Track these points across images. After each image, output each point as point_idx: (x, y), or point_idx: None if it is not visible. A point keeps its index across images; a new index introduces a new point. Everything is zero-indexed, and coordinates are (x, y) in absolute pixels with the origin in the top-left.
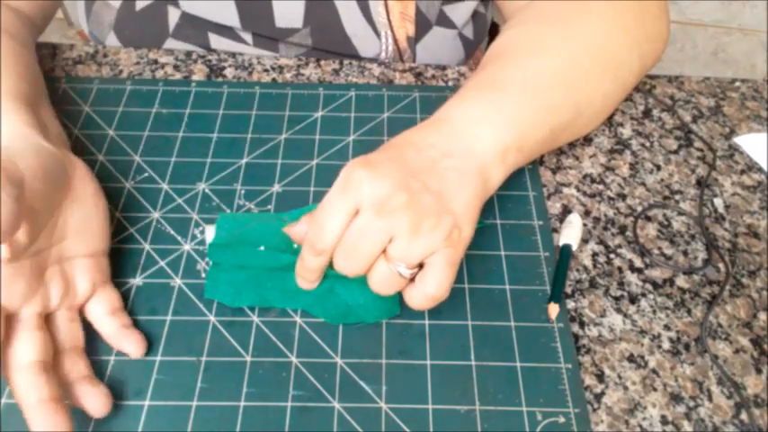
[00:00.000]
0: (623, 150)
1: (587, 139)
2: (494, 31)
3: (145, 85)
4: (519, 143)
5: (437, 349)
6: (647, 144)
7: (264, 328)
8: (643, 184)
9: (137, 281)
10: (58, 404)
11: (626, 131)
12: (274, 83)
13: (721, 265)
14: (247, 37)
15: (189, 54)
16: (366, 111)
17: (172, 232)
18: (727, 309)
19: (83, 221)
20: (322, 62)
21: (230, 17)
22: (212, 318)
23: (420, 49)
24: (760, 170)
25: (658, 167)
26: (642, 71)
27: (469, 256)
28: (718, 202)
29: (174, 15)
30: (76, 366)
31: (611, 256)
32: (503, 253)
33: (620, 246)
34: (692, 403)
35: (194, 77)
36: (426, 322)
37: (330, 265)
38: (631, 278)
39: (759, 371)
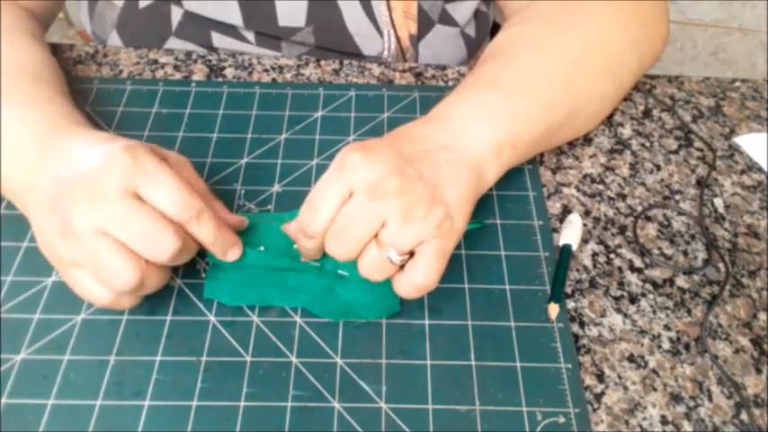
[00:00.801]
0: (623, 150)
1: (587, 139)
2: (495, 31)
3: (145, 85)
4: (514, 141)
5: (437, 349)
6: (647, 144)
7: (264, 328)
8: (643, 184)
9: None
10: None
11: (626, 131)
12: (274, 83)
13: (721, 265)
14: (250, 36)
15: (189, 54)
16: (366, 111)
17: None
18: (727, 309)
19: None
20: (322, 62)
21: (233, 16)
22: (212, 318)
23: (422, 47)
24: (760, 170)
25: (658, 167)
26: (641, 71)
27: (469, 256)
28: (718, 202)
29: (176, 14)
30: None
31: (611, 256)
32: (503, 253)
33: (620, 246)
34: (692, 403)
35: (194, 77)
36: (426, 322)
37: (330, 264)
38: (631, 278)
39: (759, 371)
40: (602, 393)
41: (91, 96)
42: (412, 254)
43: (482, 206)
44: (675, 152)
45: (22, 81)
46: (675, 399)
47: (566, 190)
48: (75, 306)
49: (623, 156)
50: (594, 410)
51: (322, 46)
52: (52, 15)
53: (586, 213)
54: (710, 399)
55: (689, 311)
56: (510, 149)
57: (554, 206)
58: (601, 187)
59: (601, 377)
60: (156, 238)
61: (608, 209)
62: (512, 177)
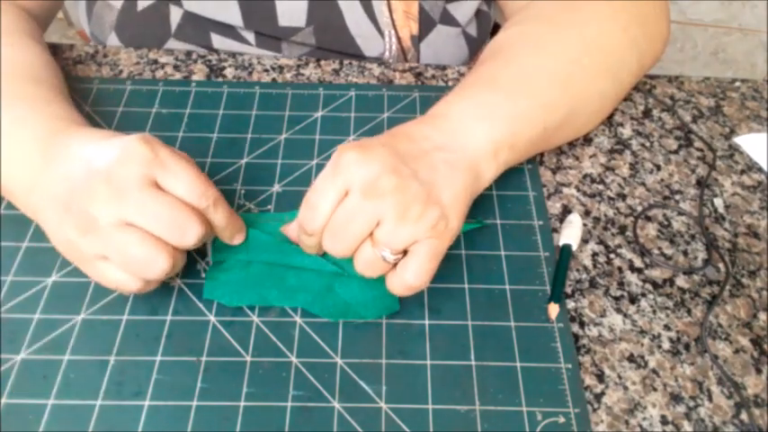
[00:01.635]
0: (623, 150)
1: (587, 139)
2: (495, 31)
3: (145, 85)
4: (512, 140)
5: (437, 349)
6: (647, 144)
7: (264, 328)
8: (643, 184)
9: None
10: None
11: (626, 131)
12: (274, 83)
13: (721, 265)
14: (250, 37)
15: (189, 54)
16: (366, 111)
17: None
18: (727, 309)
19: None
20: (322, 62)
21: (233, 16)
22: (212, 318)
23: (424, 47)
24: (760, 170)
25: (658, 167)
26: (641, 71)
27: (469, 256)
28: (718, 202)
29: (175, 15)
30: None
31: (611, 256)
32: (503, 253)
33: (620, 246)
34: (692, 403)
35: (194, 77)
36: (426, 322)
37: (329, 262)
38: (631, 278)
39: (759, 371)
40: (602, 393)
41: (91, 96)
42: (406, 252)
43: (482, 206)
44: (675, 152)
45: (21, 83)
46: (675, 399)
47: (566, 190)
48: (76, 306)
49: (623, 156)
50: (594, 410)
51: (323, 47)
52: (51, 15)
53: (586, 213)
54: (710, 399)
55: (689, 311)
56: (508, 149)
57: (554, 206)
58: (601, 187)
59: (601, 377)
60: (181, 225)
61: (608, 209)
62: (512, 177)
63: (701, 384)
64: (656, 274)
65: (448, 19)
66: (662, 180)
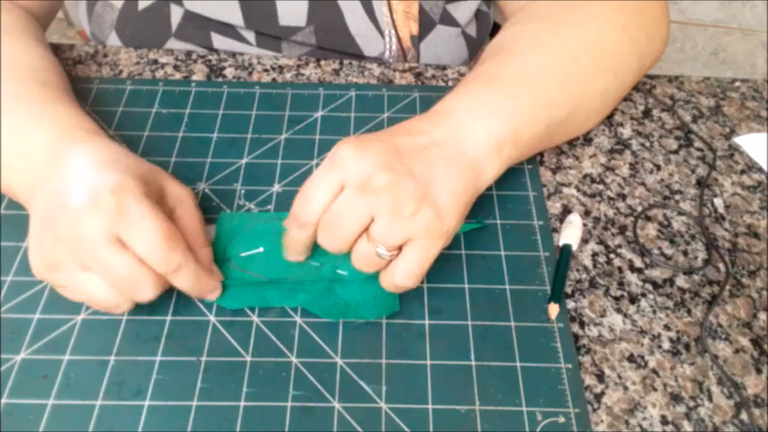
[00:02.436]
0: (623, 150)
1: (587, 139)
2: (495, 32)
3: (145, 85)
4: (515, 137)
5: (437, 349)
6: (647, 144)
7: (264, 328)
8: (643, 184)
9: None
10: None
11: (626, 131)
12: (274, 83)
13: (721, 265)
14: (250, 36)
15: (189, 54)
16: (366, 111)
17: None
18: (727, 309)
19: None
20: (322, 62)
21: (233, 15)
22: (212, 318)
23: (424, 47)
24: (760, 170)
25: (658, 167)
26: (641, 71)
27: (469, 256)
28: (718, 202)
29: (176, 15)
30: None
31: (611, 256)
32: (503, 253)
33: (620, 246)
34: (692, 403)
35: (194, 77)
36: (426, 322)
37: (329, 264)
38: (631, 278)
39: (759, 371)
40: (602, 393)
41: (91, 96)
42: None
43: (482, 206)
44: (675, 152)
45: (27, 84)
46: (675, 399)
47: (566, 190)
48: (76, 306)
49: (623, 156)
50: (594, 410)
51: (323, 46)
52: (51, 15)
53: (586, 213)
54: (710, 399)
55: (689, 311)
56: (511, 146)
57: (554, 206)
58: (601, 187)
59: (601, 377)
60: (134, 285)
61: (608, 209)
62: (512, 177)
63: (701, 384)
64: (656, 274)
65: (448, 19)
66: (662, 180)
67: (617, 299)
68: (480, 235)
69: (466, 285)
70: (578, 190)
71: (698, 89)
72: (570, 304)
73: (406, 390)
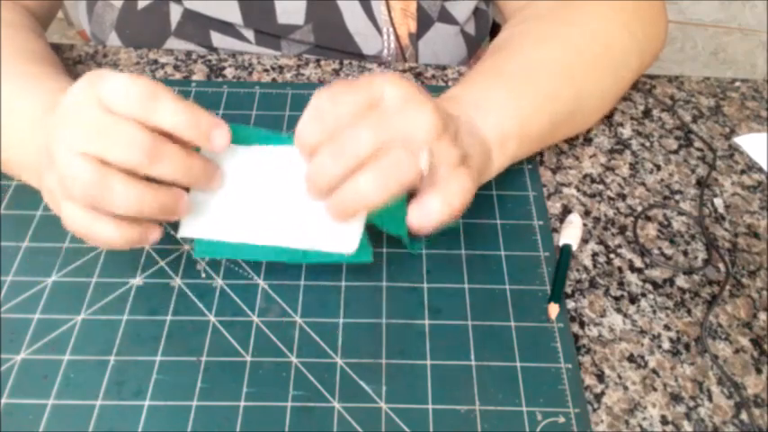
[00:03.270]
0: (623, 150)
1: (587, 139)
2: (495, 31)
3: None
4: (519, 131)
5: (437, 349)
6: (647, 144)
7: (264, 328)
8: (643, 184)
9: (137, 281)
10: None
11: (626, 131)
12: (274, 83)
13: (721, 265)
14: (249, 35)
15: (189, 54)
16: None
17: (171, 232)
18: (727, 309)
19: None
20: (322, 62)
21: (232, 13)
22: (212, 318)
23: (422, 46)
24: (760, 170)
25: (658, 167)
26: (640, 69)
27: (469, 256)
28: (718, 202)
29: (175, 14)
30: None
31: (611, 256)
32: (503, 253)
33: (620, 246)
34: (692, 403)
35: (194, 77)
36: (426, 322)
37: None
38: (631, 278)
39: (759, 371)
40: (602, 393)
41: None
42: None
43: (482, 206)
44: (675, 152)
45: (25, 62)
46: (675, 399)
47: (566, 190)
48: (76, 306)
49: (623, 156)
50: (594, 410)
51: (321, 44)
52: (51, 15)
53: (586, 213)
54: (710, 399)
55: (689, 311)
56: (515, 140)
57: (554, 206)
58: (601, 187)
59: (601, 377)
60: (104, 188)
61: (608, 209)
62: (512, 177)
63: (701, 384)
64: (656, 274)
65: (446, 17)
66: (662, 180)
67: (617, 299)
68: (480, 235)
69: (466, 285)
70: (578, 190)
71: (698, 89)
72: (570, 304)
73: (406, 390)
